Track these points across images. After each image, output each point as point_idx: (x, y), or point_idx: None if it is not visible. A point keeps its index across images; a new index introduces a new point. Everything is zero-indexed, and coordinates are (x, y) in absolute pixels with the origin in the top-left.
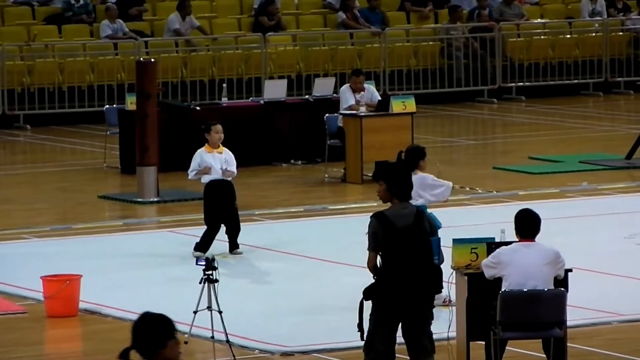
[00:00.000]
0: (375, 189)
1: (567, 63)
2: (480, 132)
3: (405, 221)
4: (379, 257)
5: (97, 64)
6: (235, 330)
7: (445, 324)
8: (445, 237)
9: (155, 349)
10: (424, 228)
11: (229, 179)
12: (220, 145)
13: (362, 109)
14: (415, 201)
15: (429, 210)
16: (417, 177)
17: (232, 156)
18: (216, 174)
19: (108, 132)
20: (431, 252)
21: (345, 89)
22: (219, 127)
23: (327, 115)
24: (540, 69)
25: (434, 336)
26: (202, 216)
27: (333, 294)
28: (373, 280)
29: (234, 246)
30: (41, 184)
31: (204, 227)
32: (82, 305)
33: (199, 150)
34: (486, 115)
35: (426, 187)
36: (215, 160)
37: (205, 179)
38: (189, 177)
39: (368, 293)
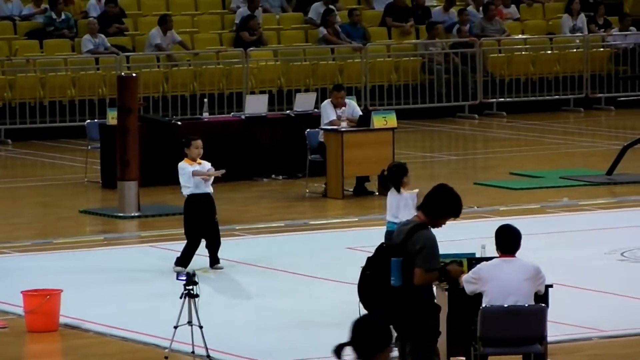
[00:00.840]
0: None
1: (548, 79)
2: (461, 148)
3: (397, 239)
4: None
5: (79, 79)
6: (215, 345)
7: None
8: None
9: (374, 351)
10: (406, 247)
11: (211, 190)
12: (199, 159)
13: (343, 124)
14: (395, 219)
15: None
16: (399, 197)
17: (212, 168)
18: (199, 187)
19: (89, 147)
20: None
21: (326, 104)
22: (199, 142)
23: (308, 130)
24: (521, 85)
25: None
26: (183, 231)
27: (313, 309)
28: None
29: (214, 261)
30: (22, 199)
31: (185, 242)
32: (62, 320)
33: (180, 163)
34: (467, 130)
35: (408, 207)
36: (199, 173)
37: (187, 191)
38: (185, 193)
39: None
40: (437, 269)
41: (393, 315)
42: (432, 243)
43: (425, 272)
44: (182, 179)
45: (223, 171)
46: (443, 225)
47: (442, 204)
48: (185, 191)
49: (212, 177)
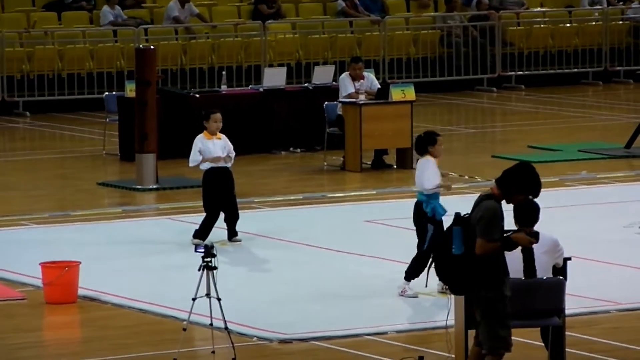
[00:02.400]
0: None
1: (567, 52)
2: (480, 121)
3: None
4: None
5: (97, 51)
6: (233, 317)
7: (443, 312)
8: (445, 226)
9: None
10: (470, 217)
11: (229, 165)
12: (218, 132)
13: (362, 97)
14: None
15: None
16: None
17: (229, 142)
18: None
19: (107, 120)
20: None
21: (344, 77)
22: (218, 115)
23: (326, 103)
24: (540, 58)
25: (431, 324)
26: (201, 203)
27: (332, 281)
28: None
29: (232, 234)
30: (40, 171)
31: (203, 215)
32: (81, 292)
33: (198, 137)
34: (485, 103)
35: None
36: (216, 147)
37: (205, 165)
38: (190, 165)
39: None
40: (497, 239)
41: (458, 284)
42: (492, 213)
43: (486, 242)
44: (192, 151)
45: (228, 158)
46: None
47: (520, 181)
48: (203, 166)
49: (231, 157)
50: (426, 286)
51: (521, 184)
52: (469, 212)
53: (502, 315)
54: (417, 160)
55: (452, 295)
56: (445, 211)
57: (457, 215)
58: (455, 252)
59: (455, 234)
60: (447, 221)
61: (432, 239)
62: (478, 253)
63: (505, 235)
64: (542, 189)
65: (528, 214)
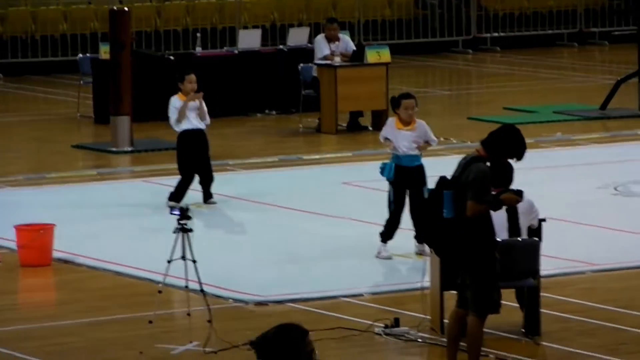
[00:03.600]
0: None
1: (542, 14)
2: (455, 83)
3: (455, 172)
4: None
5: (71, 13)
6: (209, 279)
7: (419, 274)
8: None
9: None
10: (460, 180)
11: (204, 126)
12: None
13: (337, 59)
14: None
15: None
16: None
17: (204, 105)
18: (190, 122)
19: (81, 82)
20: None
21: (319, 39)
22: (192, 77)
23: (301, 65)
24: (515, 20)
25: (406, 286)
26: (176, 166)
27: (308, 244)
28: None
29: (207, 196)
30: (14, 134)
31: (178, 177)
32: (55, 254)
33: (172, 99)
34: (461, 65)
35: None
36: (190, 108)
37: (180, 127)
38: (174, 127)
39: None
40: (488, 201)
41: (447, 248)
42: (483, 176)
43: (476, 203)
44: (171, 116)
45: (200, 94)
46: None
47: (505, 144)
48: (175, 127)
49: (205, 112)
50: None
51: (507, 147)
52: (454, 173)
53: (494, 277)
54: None
55: (428, 257)
56: (388, 174)
57: (443, 178)
58: (447, 216)
59: (446, 198)
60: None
61: (412, 201)
62: (469, 215)
63: (494, 196)
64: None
65: (503, 174)
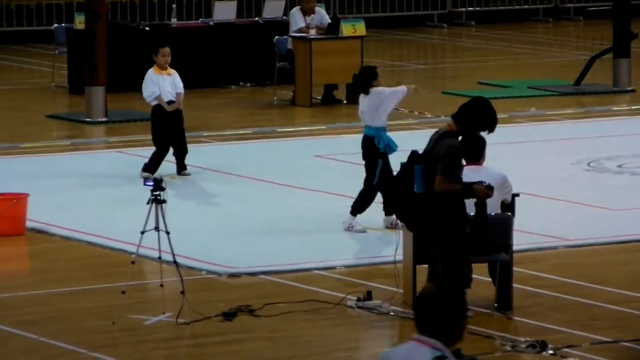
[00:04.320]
0: None
1: None
2: (430, 57)
3: (427, 147)
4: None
5: None
6: (182, 251)
7: (391, 247)
8: (394, 162)
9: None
10: (431, 154)
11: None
12: (168, 67)
13: (312, 31)
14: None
15: (388, 134)
16: (372, 93)
17: (179, 78)
18: (165, 96)
19: (56, 52)
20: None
21: (295, 11)
22: (167, 49)
23: (276, 37)
24: None
25: (379, 259)
26: (151, 137)
27: (281, 216)
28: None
29: (181, 167)
30: None
31: (153, 148)
32: (29, 224)
33: (148, 73)
34: (436, 40)
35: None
36: (165, 83)
37: (154, 102)
38: (148, 100)
39: None
40: (458, 178)
41: (417, 222)
42: (454, 151)
43: (445, 179)
44: (145, 90)
45: (176, 107)
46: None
47: (476, 116)
48: (148, 100)
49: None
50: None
51: (478, 119)
52: (425, 148)
53: (464, 252)
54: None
55: (401, 231)
56: (397, 146)
57: (414, 153)
58: (418, 191)
59: (417, 172)
60: (397, 157)
61: (381, 174)
62: (437, 190)
63: (467, 183)
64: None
65: (475, 149)
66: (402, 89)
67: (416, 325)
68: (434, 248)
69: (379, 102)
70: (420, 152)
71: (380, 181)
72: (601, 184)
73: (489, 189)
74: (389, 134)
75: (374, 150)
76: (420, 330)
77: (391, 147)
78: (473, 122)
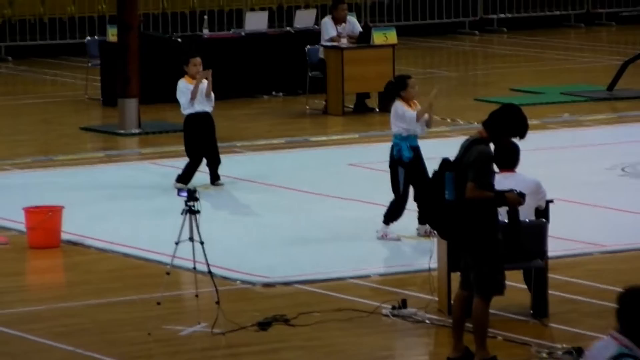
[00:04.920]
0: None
1: None
2: (462, 64)
3: (458, 154)
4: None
5: None
6: (217, 261)
7: (425, 255)
8: (428, 169)
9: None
10: (462, 161)
11: (210, 109)
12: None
13: (344, 40)
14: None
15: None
16: (394, 104)
17: (210, 88)
18: (200, 104)
19: (89, 64)
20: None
21: (326, 20)
22: (197, 59)
23: (308, 47)
24: (522, 1)
25: (413, 267)
26: (184, 148)
27: (315, 225)
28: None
29: (215, 178)
30: (23, 116)
31: (186, 159)
32: (64, 236)
33: (181, 81)
34: (467, 47)
35: (397, 117)
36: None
37: (186, 111)
38: (186, 111)
39: None
40: (489, 185)
41: (449, 230)
42: (485, 158)
43: (477, 186)
44: (181, 99)
45: (209, 71)
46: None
47: (506, 123)
48: (185, 110)
49: (211, 93)
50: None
51: (509, 126)
52: (457, 155)
53: (497, 259)
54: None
55: (435, 238)
56: (410, 154)
57: (446, 160)
58: (449, 198)
59: (448, 180)
60: (430, 164)
61: (405, 183)
62: (468, 197)
63: (499, 191)
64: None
65: (509, 156)
66: (411, 115)
67: (616, 319)
68: (467, 255)
69: (394, 115)
70: (452, 159)
71: (406, 190)
72: (636, 189)
73: (521, 196)
74: (422, 141)
75: (392, 158)
76: (619, 325)
77: (404, 155)
78: (503, 129)
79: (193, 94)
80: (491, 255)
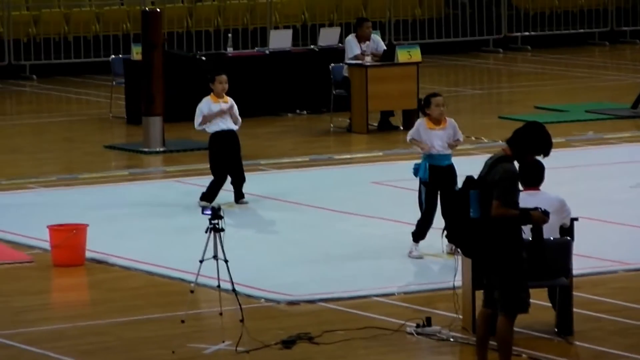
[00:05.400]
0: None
1: (573, 12)
2: (486, 82)
3: (481, 172)
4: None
5: (103, 14)
6: (241, 279)
7: (450, 273)
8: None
9: None
10: (486, 179)
11: (235, 127)
12: (225, 95)
13: (368, 58)
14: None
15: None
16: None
17: (236, 106)
18: (222, 123)
19: (114, 83)
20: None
21: (350, 38)
22: (223, 77)
23: (332, 65)
24: (546, 19)
25: (438, 285)
26: (208, 166)
27: (339, 243)
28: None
29: (239, 196)
30: (47, 134)
31: (210, 177)
32: (88, 254)
33: (204, 100)
34: (492, 65)
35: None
36: (221, 110)
37: (212, 128)
38: (197, 128)
39: None
40: (514, 203)
41: (473, 248)
42: (510, 176)
43: (502, 204)
44: (196, 113)
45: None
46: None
47: (530, 141)
48: (210, 128)
49: (239, 119)
50: (443, 251)
51: (533, 144)
52: (480, 173)
53: (521, 277)
54: None
55: (460, 256)
56: (425, 173)
57: (470, 178)
58: (473, 216)
59: (472, 197)
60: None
61: (426, 201)
62: (493, 215)
63: (524, 209)
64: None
65: (533, 174)
66: (423, 145)
67: None
68: (491, 273)
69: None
70: (476, 177)
71: (429, 208)
72: None
73: (545, 214)
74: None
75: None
76: None
77: (419, 172)
78: (527, 147)
79: (206, 118)
80: (515, 274)
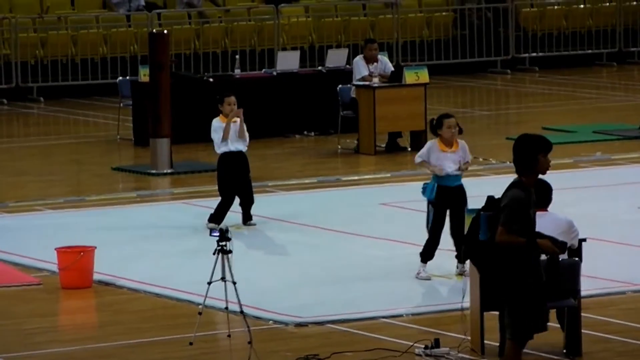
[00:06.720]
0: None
1: (581, 33)
2: (494, 103)
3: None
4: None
5: (110, 36)
6: (249, 301)
7: (459, 294)
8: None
9: None
10: (499, 203)
11: (244, 148)
12: None
13: (375, 80)
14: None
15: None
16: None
17: (244, 127)
18: (231, 144)
19: (121, 104)
20: None
21: (358, 60)
22: (232, 98)
23: (340, 86)
24: (553, 39)
25: (446, 307)
26: (216, 188)
27: (347, 264)
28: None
29: (247, 217)
30: (55, 156)
31: (218, 199)
32: (96, 276)
33: (215, 121)
34: (499, 85)
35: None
36: (230, 131)
37: (221, 149)
38: (219, 147)
39: None
40: (518, 230)
41: (485, 270)
42: (515, 204)
43: (506, 231)
44: (214, 137)
45: (240, 110)
46: (547, 170)
47: (524, 151)
48: (219, 149)
49: (245, 133)
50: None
51: (527, 153)
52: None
53: (528, 303)
54: None
55: (468, 278)
56: (430, 194)
57: (490, 198)
58: (482, 238)
59: (483, 219)
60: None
61: (433, 221)
62: (497, 241)
63: (532, 238)
64: (548, 169)
65: (541, 195)
66: (433, 168)
67: None
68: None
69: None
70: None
71: (435, 228)
72: None
73: (560, 245)
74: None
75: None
76: None
77: (425, 192)
78: (524, 158)
79: (225, 132)
80: (521, 300)
